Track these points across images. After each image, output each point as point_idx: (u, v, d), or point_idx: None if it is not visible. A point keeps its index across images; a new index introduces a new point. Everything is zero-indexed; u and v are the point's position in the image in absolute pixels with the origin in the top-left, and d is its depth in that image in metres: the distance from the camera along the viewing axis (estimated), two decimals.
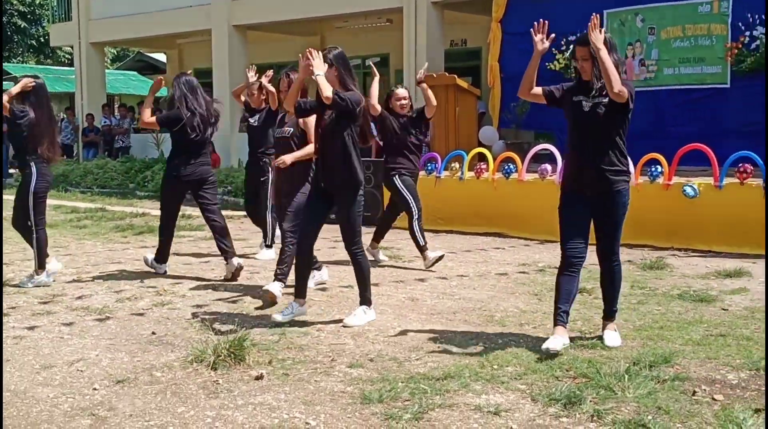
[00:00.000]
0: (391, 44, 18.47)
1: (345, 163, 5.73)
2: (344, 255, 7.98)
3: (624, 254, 8.62)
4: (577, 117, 5.12)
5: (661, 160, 9.36)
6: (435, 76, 13.25)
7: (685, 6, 11.53)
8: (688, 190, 8.97)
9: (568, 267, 5.17)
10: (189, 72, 7.66)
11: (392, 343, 5.35)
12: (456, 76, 13.01)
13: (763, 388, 4.33)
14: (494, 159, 10.65)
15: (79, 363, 4.94)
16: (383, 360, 4.97)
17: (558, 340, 5.02)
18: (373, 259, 7.98)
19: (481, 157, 11.09)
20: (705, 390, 4.35)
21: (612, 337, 5.26)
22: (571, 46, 5.17)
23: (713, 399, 4.22)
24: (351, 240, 5.87)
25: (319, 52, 5.65)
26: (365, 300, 5.93)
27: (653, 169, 9.40)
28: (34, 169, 7.08)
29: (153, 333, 5.61)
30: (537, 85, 5.26)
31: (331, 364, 4.89)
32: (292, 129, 6.89)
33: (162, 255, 7.75)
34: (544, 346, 4.98)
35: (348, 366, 4.85)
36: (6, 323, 5.92)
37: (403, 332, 5.64)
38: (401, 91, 8.18)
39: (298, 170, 6.65)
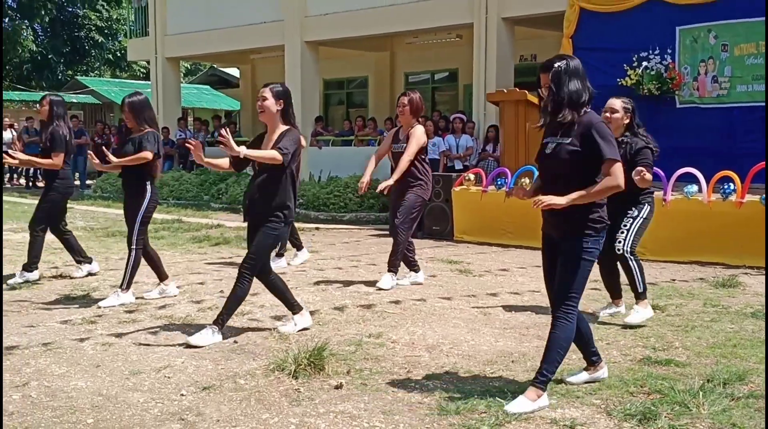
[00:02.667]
0: (460, 59, 18.62)
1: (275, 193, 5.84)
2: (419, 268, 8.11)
3: (695, 271, 8.72)
4: (540, 158, 4.66)
5: (734, 177, 9.30)
6: (506, 91, 13.35)
7: (759, 23, 11.39)
8: (764, 201, 8.92)
9: None
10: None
11: (466, 357, 5.47)
12: (527, 91, 13.06)
13: None
14: None
15: (166, 369, 5.16)
16: (458, 372, 5.09)
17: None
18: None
19: None
20: None
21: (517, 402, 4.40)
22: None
23: None
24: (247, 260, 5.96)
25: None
26: (218, 322, 5.91)
27: (726, 186, 9.35)
28: (148, 190, 7.21)
29: (235, 342, 5.82)
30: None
31: (408, 376, 5.02)
32: (406, 145, 7.80)
33: None
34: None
35: (424, 378, 4.98)
36: (93, 330, 6.19)
37: (477, 346, 5.75)
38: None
39: (404, 183, 7.81)
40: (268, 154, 5.72)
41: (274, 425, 4.19)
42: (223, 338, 5.84)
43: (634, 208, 6.44)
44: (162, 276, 7.47)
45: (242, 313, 6.72)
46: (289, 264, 9.18)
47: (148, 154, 7.07)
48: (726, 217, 9.23)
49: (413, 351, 5.61)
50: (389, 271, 7.94)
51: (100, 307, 6.96)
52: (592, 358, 4.90)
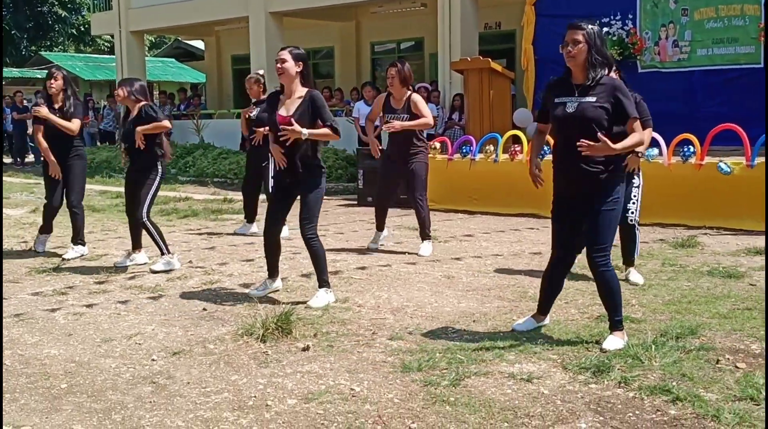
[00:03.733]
0: (425, 28, 18.67)
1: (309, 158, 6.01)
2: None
3: (656, 233, 8.93)
4: (561, 118, 4.84)
5: (694, 140, 9.50)
6: (469, 59, 13.46)
7: None
8: (723, 166, 9.13)
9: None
10: None
11: (430, 318, 5.64)
12: (490, 59, 13.19)
13: None
14: (528, 141, 10.84)
15: (137, 337, 5.28)
16: (421, 333, 5.25)
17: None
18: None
19: (516, 140, 11.30)
20: (729, 359, 4.59)
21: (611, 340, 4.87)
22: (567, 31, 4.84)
23: (736, 367, 4.46)
24: (306, 228, 6.08)
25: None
26: (323, 282, 6.13)
27: (686, 149, 9.55)
28: (160, 169, 7.42)
29: (204, 309, 5.94)
30: None
31: (373, 337, 5.18)
32: (406, 115, 7.99)
33: None
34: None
35: (388, 338, 5.14)
36: (65, 301, 6.29)
37: (440, 308, 5.92)
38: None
39: (407, 142, 8.01)
40: (328, 133, 5.96)
41: (243, 386, 4.33)
42: (201, 307, 5.99)
43: (636, 177, 6.60)
44: (136, 245, 7.65)
45: (211, 282, 6.85)
46: (250, 233, 9.33)
47: (167, 122, 7.37)
48: (686, 180, 9.45)
49: (378, 314, 5.77)
50: (425, 240, 8.18)
51: (152, 271, 7.28)
52: (548, 308, 5.28)
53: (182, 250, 8.34)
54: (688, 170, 9.47)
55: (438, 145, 11.75)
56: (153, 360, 4.80)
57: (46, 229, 8.43)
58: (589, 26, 4.77)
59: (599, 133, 4.59)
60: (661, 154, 9.61)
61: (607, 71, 4.80)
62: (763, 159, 9.01)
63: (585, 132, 4.67)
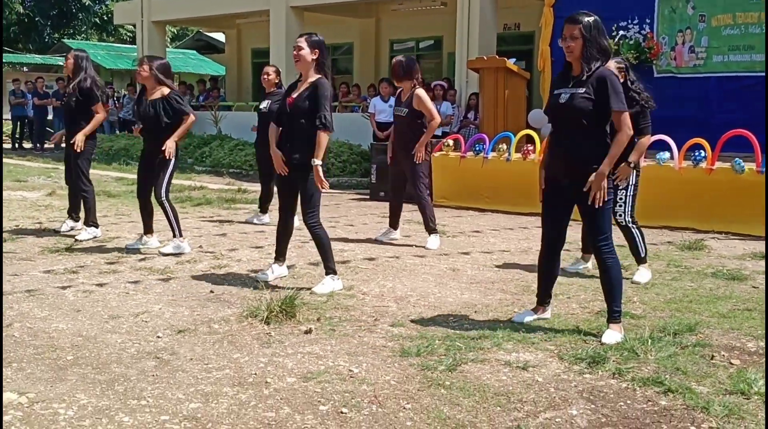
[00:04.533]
0: (444, 27, 18.71)
1: (310, 143, 6.06)
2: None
3: (664, 235, 8.97)
4: (553, 107, 5.04)
5: (705, 144, 9.53)
6: (485, 58, 13.52)
7: None
8: (740, 162, 9.15)
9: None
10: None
11: (432, 307, 5.72)
12: (506, 59, 13.24)
13: None
14: (542, 141, 10.89)
15: (144, 315, 5.39)
16: (423, 321, 5.34)
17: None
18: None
19: (529, 139, 11.36)
20: (723, 355, 4.65)
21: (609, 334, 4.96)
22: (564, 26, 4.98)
23: (730, 363, 4.52)
24: (308, 215, 6.17)
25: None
26: (329, 270, 6.21)
27: (697, 153, 9.58)
28: (174, 156, 7.51)
29: (211, 291, 6.05)
30: None
31: (375, 323, 5.27)
32: (406, 109, 8.04)
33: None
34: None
35: (390, 325, 5.23)
36: (75, 279, 6.42)
37: (443, 298, 6.01)
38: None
39: (410, 136, 8.05)
40: (322, 142, 6.00)
41: (244, 363, 4.43)
42: (209, 290, 6.10)
43: (624, 179, 6.65)
44: (148, 229, 7.76)
45: (219, 267, 6.96)
46: (261, 223, 9.45)
47: (192, 117, 7.52)
48: (696, 184, 9.47)
49: (382, 302, 5.86)
50: (431, 233, 8.24)
51: (162, 254, 7.40)
52: (546, 300, 5.35)
53: (193, 236, 8.45)
54: (699, 174, 9.50)
55: (451, 142, 11.82)
56: (158, 337, 4.91)
57: (71, 209, 8.68)
58: (586, 18, 4.85)
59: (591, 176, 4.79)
60: (672, 157, 9.64)
61: (602, 63, 4.86)
62: None
63: (573, 122, 4.88)
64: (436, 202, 11.64)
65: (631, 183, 6.68)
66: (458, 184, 11.44)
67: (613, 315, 5.02)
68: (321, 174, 5.98)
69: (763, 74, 11.34)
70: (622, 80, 6.60)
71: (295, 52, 6.09)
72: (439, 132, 14.33)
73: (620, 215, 6.68)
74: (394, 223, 8.49)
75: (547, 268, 5.34)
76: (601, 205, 4.86)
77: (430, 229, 8.25)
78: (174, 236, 7.54)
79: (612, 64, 6.57)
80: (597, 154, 4.88)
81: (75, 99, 8.15)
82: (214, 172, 16.66)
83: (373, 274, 6.79)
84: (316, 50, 6.07)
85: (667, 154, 9.69)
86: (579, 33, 4.82)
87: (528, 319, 5.32)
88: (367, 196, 12.56)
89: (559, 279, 6.55)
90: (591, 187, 4.83)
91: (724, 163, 9.46)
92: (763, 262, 7.49)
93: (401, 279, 6.63)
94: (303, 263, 7.18)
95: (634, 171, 6.70)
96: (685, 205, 9.52)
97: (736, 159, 9.22)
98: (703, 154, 9.54)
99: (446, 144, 11.82)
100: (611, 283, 5.04)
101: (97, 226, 8.33)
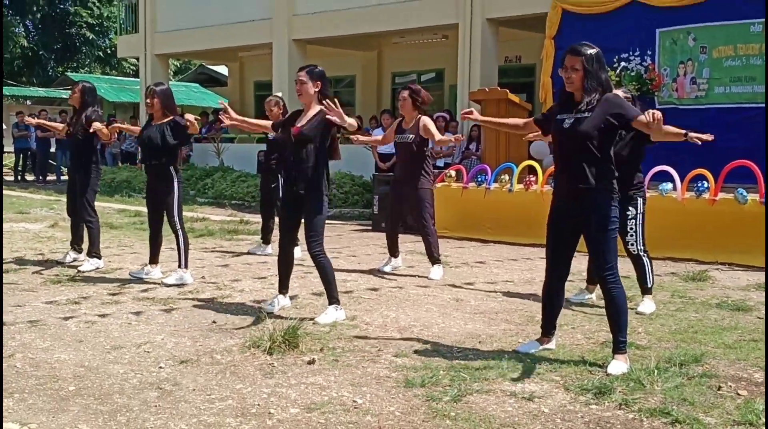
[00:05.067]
0: (446, 59, 18.83)
1: (315, 172, 6.11)
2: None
3: (668, 267, 8.93)
4: (557, 132, 5.04)
5: (708, 175, 9.53)
6: (487, 90, 13.58)
7: (738, 26, 11.66)
8: (743, 192, 9.14)
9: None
10: None
11: (436, 338, 5.68)
12: (507, 90, 13.30)
13: None
14: (544, 172, 10.90)
15: (146, 345, 5.36)
16: (427, 351, 5.31)
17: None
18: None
19: (531, 170, 11.36)
20: (731, 386, 4.61)
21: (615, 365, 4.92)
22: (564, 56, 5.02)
23: (737, 394, 4.48)
24: (312, 245, 6.15)
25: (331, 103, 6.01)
26: (333, 299, 6.21)
27: (699, 184, 9.58)
28: (175, 175, 7.59)
29: (213, 322, 6.02)
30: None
31: (378, 354, 5.23)
32: (413, 135, 8.03)
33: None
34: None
35: (394, 355, 5.19)
36: (77, 310, 6.39)
37: (447, 328, 5.97)
38: None
39: (413, 167, 8.07)
40: (350, 120, 6.03)
41: (247, 394, 4.39)
42: (211, 320, 6.08)
43: (631, 208, 6.65)
44: (154, 259, 7.79)
45: (222, 297, 6.93)
46: (264, 254, 9.43)
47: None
48: (699, 215, 9.46)
49: (385, 332, 5.82)
50: (434, 264, 8.24)
51: (165, 284, 7.39)
52: (551, 331, 5.31)
53: (196, 267, 8.42)
54: (702, 205, 9.48)
55: (453, 173, 11.83)
56: (161, 367, 4.87)
57: (74, 241, 8.68)
58: (588, 51, 4.88)
59: (648, 113, 4.72)
60: (675, 188, 9.64)
61: (600, 95, 4.87)
62: None
63: (579, 148, 4.88)
64: (439, 232, 11.62)
65: (639, 212, 6.68)
66: (461, 214, 11.42)
67: (619, 345, 4.99)
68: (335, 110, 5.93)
69: (765, 106, 11.34)
70: None
71: (297, 86, 6.15)
72: (441, 163, 14.39)
73: (632, 244, 6.68)
74: (394, 251, 8.48)
75: (552, 299, 5.32)
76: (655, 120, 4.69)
77: (434, 259, 8.23)
78: (179, 267, 7.53)
79: (619, 93, 6.61)
80: (602, 179, 4.89)
81: (82, 132, 8.18)
82: (216, 204, 16.66)
83: (376, 305, 6.77)
84: (318, 82, 6.14)
85: (669, 185, 9.69)
86: (580, 65, 4.86)
87: (533, 349, 5.28)
88: (370, 227, 12.54)
89: (564, 309, 6.55)
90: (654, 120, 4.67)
91: (727, 194, 9.45)
92: None
93: (404, 309, 6.60)
94: (306, 293, 7.16)
95: (641, 199, 6.70)
96: (689, 236, 9.49)
97: (739, 189, 9.21)
98: (705, 184, 9.53)
99: (448, 175, 11.83)
100: (617, 313, 5.02)
101: (99, 258, 8.32)
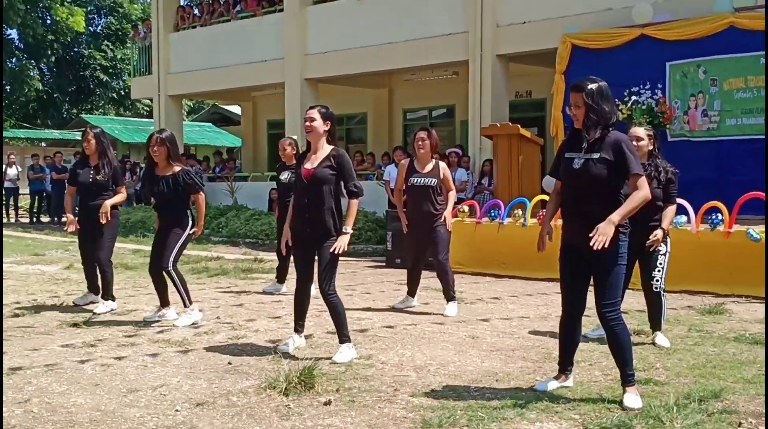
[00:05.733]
0: (457, 96, 18.91)
1: (330, 213, 6.14)
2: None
3: (684, 300, 8.89)
4: (567, 173, 5.02)
5: (722, 208, 9.51)
6: (499, 125, 13.64)
7: (747, 58, 11.70)
8: (753, 233, 9.11)
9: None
10: None
11: (452, 376, 5.66)
12: (519, 125, 13.34)
13: None
14: None
15: (162, 388, 5.35)
16: (443, 390, 5.28)
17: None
18: None
19: (544, 205, 11.34)
20: (751, 422, 4.56)
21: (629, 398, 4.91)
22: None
23: None
24: (324, 284, 6.16)
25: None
26: (344, 337, 6.20)
27: (714, 217, 9.55)
28: (189, 220, 7.61)
29: (229, 363, 6.01)
30: None
31: (395, 394, 5.21)
32: (435, 179, 8.17)
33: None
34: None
35: (410, 395, 5.16)
36: (93, 353, 6.39)
37: (463, 366, 5.95)
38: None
39: (429, 206, 8.17)
40: (353, 210, 6.14)
41: None
42: (227, 361, 6.05)
43: (663, 244, 6.62)
44: (165, 302, 7.74)
45: (237, 337, 6.93)
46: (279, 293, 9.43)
47: (203, 196, 7.69)
48: (714, 247, 9.43)
49: (401, 371, 5.80)
50: (450, 300, 8.28)
51: (175, 327, 7.38)
52: (568, 367, 5.24)
53: (211, 307, 8.44)
54: (717, 238, 9.46)
55: (466, 208, 11.84)
56: (177, 411, 4.86)
57: (90, 287, 8.65)
58: (590, 86, 4.89)
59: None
60: (689, 221, 9.62)
61: (603, 129, 4.87)
62: None
63: (590, 188, 4.89)
64: (452, 268, 11.61)
65: (668, 249, 6.67)
66: (474, 250, 11.42)
67: (628, 378, 4.97)
68: (346, 241, 6.04)
69: None
70: (650, 148, 6.64)
71: (307, 123, 6.18)
72: (454, 198, 14.39)
73: (657, 280, 6.67)
74: (412, 291, 8.49)
75: (568, 335, 5.29)
76: (599, 248, 4.71)
77: (450, 296, 8.23)
78: (185, 306, 7.55)
79: (641, 131, 6.64)
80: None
81: (104, 180, 8.24)
82: (230, 243, 16.70)
83: (391, 343, 6.75)
84: (328, 122, 6.18)
85: (684, 218, 9.67)
86: (582, 100, 4.87)
87: (551, 387, 5.25)
88: (383, 264, 12.54)
89: (581, 345, 6.51)
90: (597, 230, 4.72)
91: (741, 226, 9.42)
92: None
93: (420, 347, 6.58)
94: (321, 333, 7.14)
95: (668, 238, 6.68)
96: (704, 269, 9.46)
97: (749, 230, 9.16)
98: (720, 217, 9.51)
99: (461, 210, 11.84)
100: (622, 348, 4.99)
101: (114, 300, 8.34)
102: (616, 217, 4.77)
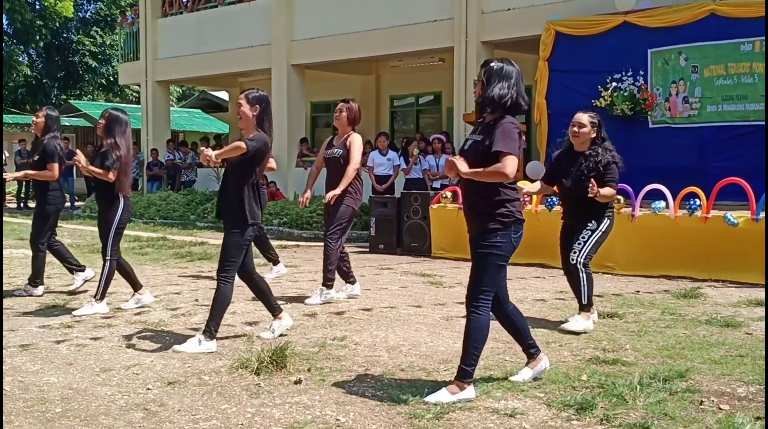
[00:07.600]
0: (443, 82, 18.95)
1: (237, 199, 5.97)
2: (389, 280, 8.44)
3: (661, 284, 8.97)
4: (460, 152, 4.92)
5: (700, 193, 9.58)
6: None
7: (728, 45, 11.77)
8: (731, 218, 9.19)
9: None
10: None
11: (424, 357, 5.73)
12: None
13: None
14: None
15: (135, 367, 5.41)
16: (413, 370, 5.35)
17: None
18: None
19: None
20: (713, 401, 4.65)
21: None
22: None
23: (719, 408, 4.51)
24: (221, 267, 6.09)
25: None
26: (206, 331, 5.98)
27: (692, 202, 9.62)
28: (121, 203, 7.41)
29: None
30: None
31: (365, 373, 5.28)
32: (341, 150, 7.83)
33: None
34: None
35: (380, 375, 5.24)
36: (70, 333, 6.45)
37: (435, 347, 6.02)
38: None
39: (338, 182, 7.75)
40: (232, 145, 5.86)
41: (232, 414, 4.44)
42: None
43: (594, 221, 6.69)
44: (136, 286, 7.69)
45: None
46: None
47: (111, 176, 7.28)
48: (692, 232, 9.50)
49: (374, 352, 5.87)
50: (322, 285, 7.93)
51: (74, 317, 7.15)
52: (530, 351, 5.17)
53: (190, 290, 8.49)
54: (695, 223, 9.53)
55: (449, 194, 11.89)
56: (148, 389, 4.92)
57: (69, 270, 8.69)
58: (492, 63, 4.81)
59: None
60: (668, 206, 9.69)
61: (494, 111, 4.73)
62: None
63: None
64: (435, 253, 11.70)
65: (599, 229, 6.68)
66: (456, 235, 11.43)
67: (460, 374, 4.73)
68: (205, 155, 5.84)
69: (758, 124, 11.42)
70: (593, 135, 6.68)
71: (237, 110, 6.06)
72: (437, 184, 14.45)
73: (574, 253, 6.66)
74: (347, 277, 8.22)
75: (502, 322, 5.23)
76: (448, 171, 4.71)
77: (325, 280, 7.89)
78: (95, 298, 7.35)
79: (585, 118, 6.69)
80: (491, 207, 4.84)
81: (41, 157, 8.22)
82: (215, 228, 16.69)
83: (366, 325, 6.81)
84: (256, 106, 5.97)
85: (662, 203, 9.74)
86: (479, 77, 4.81)
87: (527, 376, 5.10)
88: (367, 249, 12.59)
89: (553, 328, 6.62)
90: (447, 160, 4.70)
91: (719, 212, 9.49)
92: (758, 309, 7.49)
93: (394, 329, 6.64)
94: (297, 314, 7.19)
95: (608, 220, 6.72)
96: (682, 253, 9.53)
97: (726, 215, 9.23)
98: (698, 202, 9.58)
99: (444, 196, 11.89)
100: (470, 337, 4.78)
101: (37, 286, 8.31)
102: (464, 169, 4.64)
